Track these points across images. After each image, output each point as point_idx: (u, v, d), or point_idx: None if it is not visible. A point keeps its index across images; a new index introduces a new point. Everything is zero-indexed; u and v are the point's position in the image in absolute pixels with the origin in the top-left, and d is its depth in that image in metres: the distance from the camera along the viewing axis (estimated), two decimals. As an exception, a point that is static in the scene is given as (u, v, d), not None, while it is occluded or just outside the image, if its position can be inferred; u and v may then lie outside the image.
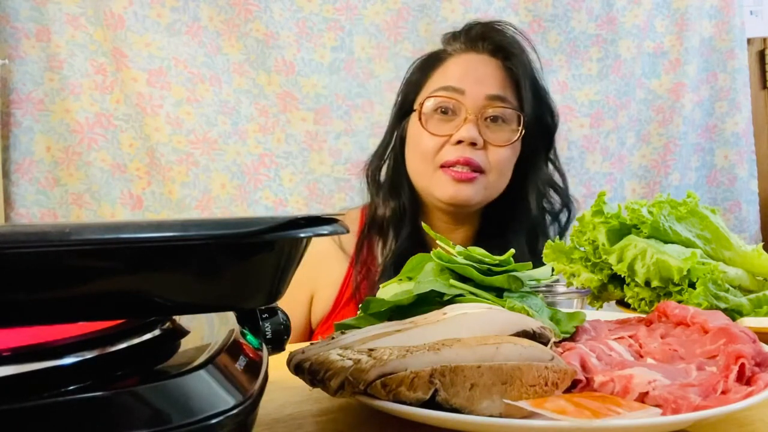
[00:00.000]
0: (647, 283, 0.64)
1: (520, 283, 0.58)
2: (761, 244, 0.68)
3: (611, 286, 0.70)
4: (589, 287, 0.70)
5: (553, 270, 0.68)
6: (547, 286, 0.69)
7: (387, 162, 1.14)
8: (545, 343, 0.45)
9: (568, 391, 0.41)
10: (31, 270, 0.26)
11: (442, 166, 1.02)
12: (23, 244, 0.25)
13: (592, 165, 1.56)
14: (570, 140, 1.55)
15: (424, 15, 1.51)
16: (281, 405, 0.46)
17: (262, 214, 1.45)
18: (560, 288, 0.72)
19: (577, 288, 0.71)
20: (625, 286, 0.68)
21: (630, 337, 0.50)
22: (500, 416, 0.37)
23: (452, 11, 1.50)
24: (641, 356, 0.47)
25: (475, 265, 0.58)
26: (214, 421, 0.28)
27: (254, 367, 0.34)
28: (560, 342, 0.50)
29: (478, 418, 0.36)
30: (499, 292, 0.57)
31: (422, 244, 1.07)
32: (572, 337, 0.52)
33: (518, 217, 1.10)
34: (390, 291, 0.61)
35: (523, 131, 1.05)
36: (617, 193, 1.57)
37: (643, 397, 0.39)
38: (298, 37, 1.47)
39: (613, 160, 1.57)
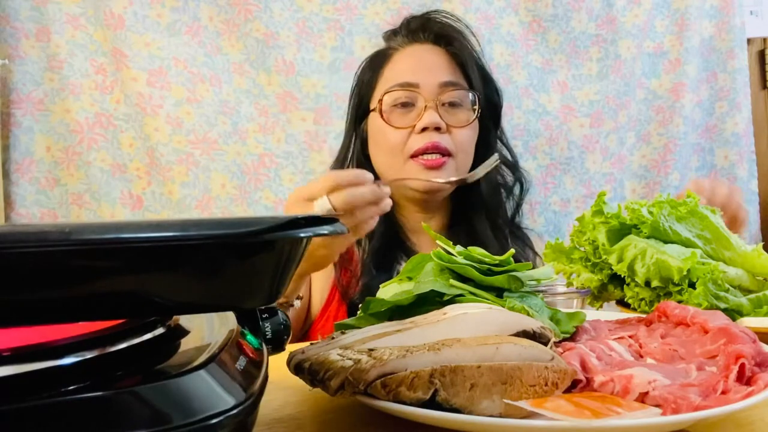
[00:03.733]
0: (647, 283, 0.64)
1: (520, 283, 0.58)
2: (761, 244, 0.68)
3: (611, 286, 0.70)
4: (589, 287, 0.70)
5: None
6: (547, 286, 0.69)
7: (350, 164, 1.18)
8: (545, 343, 0.45)
9: (568, 391, 0.41)
10: (31, 270, 0.26)
11: (412, 157, 1.06)
12: (23, 244, 0.25)
13: (592, 165, 1.56)
14: (570, 140, 1.55)
15: (424, 15, 1.51)
16: (281, 405, 0.46)
17: (262, 214, 1.45)
18: (560, 288, 0.72)
19: (577, 288, 0.71)
20: (625, 286, 0.68)
21: (630, 337, 0.50)
22: (500, 416, 0.37)
23: (452, 11, 1.50)
24: (641, 356, 0.47)
25: (475, 265, 0.58)
26: (214, 421, 0.28)
27: (254, 367, 0.34)
28: (560, 342, 0.50)
29: (478, 418, 0.36)
30: (499, 292, 0.57)
31: (396, 240, 1.12)
32: (572, 337, 0.52)
33: (479, 196, 1.15)
34: (390, 291, 0.61)
35: (480, 109, 1.11)
36: (617, 193, 1.57)
37: (643, 397, 0.39)
38: (298, 37, 1.47)
39: (613, 160, 1.57)
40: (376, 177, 1.13)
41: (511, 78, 1.53)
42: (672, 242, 0.65)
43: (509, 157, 1.23)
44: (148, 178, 1.42)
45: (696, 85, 1.58)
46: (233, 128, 1.45)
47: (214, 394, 0.29)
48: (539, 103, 1.54)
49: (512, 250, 0.61)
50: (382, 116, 1.09)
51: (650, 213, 0.66)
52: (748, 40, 1.61)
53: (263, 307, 0.45)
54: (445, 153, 1.06)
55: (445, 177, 1.06)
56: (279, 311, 0.46)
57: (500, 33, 1.52)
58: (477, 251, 0.60)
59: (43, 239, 0.25)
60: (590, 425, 0.33)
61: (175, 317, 0.37)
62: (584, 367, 0.43)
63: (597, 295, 0.71)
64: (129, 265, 0.27)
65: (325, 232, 0.31)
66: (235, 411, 0.29)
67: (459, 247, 0.61)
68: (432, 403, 0.37)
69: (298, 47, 1.47)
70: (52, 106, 1.39)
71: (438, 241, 0.63)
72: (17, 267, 0.26)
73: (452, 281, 0.57)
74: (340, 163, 1.20)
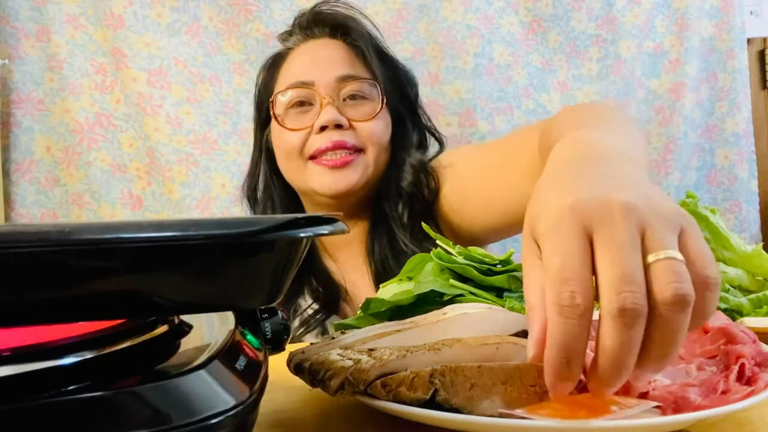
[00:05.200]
0: (647, 283, 0.64)
1: (520, 283, 0.58)
2: (761, 244, 0.68)
3: (611, 286, 0.69)
4: (589, 287, 0.70)
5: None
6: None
7: (260, 178, 1.10)
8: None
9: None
10: (31, 270, 0.26)
11: (312, 158, 0.97)
12: (23, 244, 0.25)
13: (592, 165, 1.56)
14: (570, 140, 1.55)
15: (424, 15, 1.51)
16: (281, 405, 0.46)
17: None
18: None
19: (577, 288, 0.71)
20: (625, 286, 0.67)
21: (630, 337, 0.50)
22: (500, 416, 0.37)
23: (452, 11, 1.50)
24: (641, 356, 0.47)
25: (475, 265, 0.58)
26: (214, 421, 0.28)
27: (254, 367, 0.34)
28: (560, 342, 0.50)
29: (479, 418, 0.36)
30: (499, 292, 0.57)
31: (306, 263, 1.01)
32: (572, 337, 0.52)
33: (393, 199, 1.02)
34: (390, 291, 0.61)
35: (385, 98, 1.00)
36: (617, 193, 1.57)
37: (643, 397, 0.39)
38: (298, 37, 1.47)
39: (613, 160, 1.57)
40: (284, 189, 1.06)
41: (511, 78, 1.53)
42: (672, 242, 0.65)
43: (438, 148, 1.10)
44: (148, 178, 1.42)
45: (696, 85, 1.58)
46: (233, 128, 1.45)
47: (214, 394, 0.29)
48: (539, 103, 1.54)
49: (512, 250, 0.61)
50: (276, 119, 1.00)
51: (650, 213, 0.66)
52: (748, 40, 1.61)
53: (263, 307, 0.45)
54: (353, 150, 0.96)
55: (356, 175, 0.96)
56: (279, 311, 0.46)
57: (500, 33, 1.52)
58: (477, 251, 0.60)
59: (43, 239, 0.25)
60: (590, 425, 0.33)
61: (175, 317, 0.37)
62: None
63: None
64: (129, 265, 0.27)
65: (325, 231, 0.31)
66: (235, 411, 0.29)
67: (458, 247, 0.61)
68: (432, 403, 0.37)
69: (298, 47, 1.46)
70: (52, 106, 1.39)
71: (438, 241, 0.63)
72: (17, 267, 0.26)
73: (452, 281, 0.57)
74: (250, 175, 1.11)
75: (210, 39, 1.45)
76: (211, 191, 1.43)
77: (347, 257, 1.05)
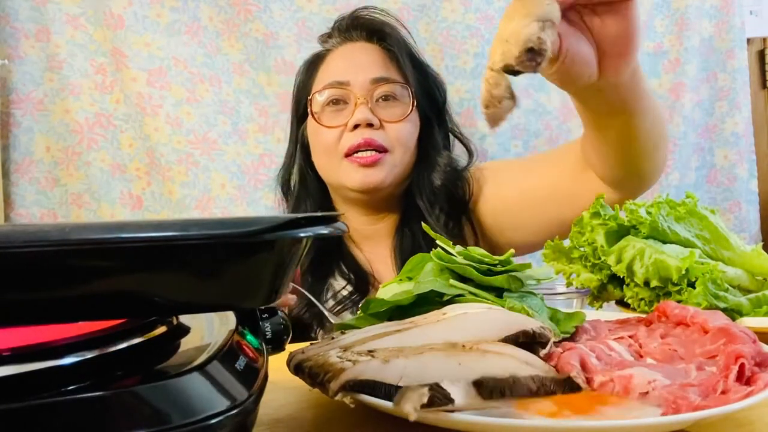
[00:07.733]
0: (646, 283, 0.64)
1: (520, 283, 0.58)
2: (761, 244, 0.68)
3: (611, 286, 0.70)
4: (588, 287, 0.70)
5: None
6: (547, 286, 0.69)
7: (294, 170, 1.17)
8: (545, 344, 0.45)
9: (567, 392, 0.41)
10: (31, 270, 0.26)
11: (346, 155, 1.03)
12: (23, 244, 0.25)
13: (592, 165, 1.56)
14: (570, 140, 1.55)
15: (424, 15, 1.51)
16: (281, 405, 0.46)
17: (262, 214, 1.45)
18: (560, 288, 0.72)
19: (576, 288, 0.71)
20: (624, 286, 0.68)
21: (630, 337, 0.50)
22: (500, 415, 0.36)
23: (452, 11, 1.50)
24: (641, 356, 0.47)
25: (475, 265, 0.58)
26: (214, 421, 0.28)
27: (254, 367, 0.34)
28: (560, 342, 0.50)
29: (478, 418, 0.36)
30: (499, 292, 0.57)
31: (336, 250, 1.09)
32: (572, 337, 0.52)
33: (428, 196, 1.09)
34: (390, 291, 0.61)
35: (415, 101, 1.07)
36: (617, 193, 1.57)
37: (643, 397, 0.39)
38: (298, 37, 1.47)
39: (612, 160, 1.57)
40: (317, 182, 1.12)
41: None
42: (671, 242, 0.65)
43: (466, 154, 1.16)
44: (147, 178, 1.42)
45: (696, 85, 1.58)
46: (233, 128, 1.45)
47: (214, 394, 0.29)
48: (539, 103, 1.54)
49: (512, 250, 0.61)
50: (313, 117, 1.07)
51: (648, 213, 0.66)
52: (748, 40, 1.61)
53: (263, 307, 0.45)
54: (380, 149, 1.03)
55: (383, 174, 1.03)
56: (279, 311, 0.46)
57: (500, 33, 1.52)
58: (477, 251, 0.60)
59: (43, 239, 0.25)
60: (590, 425, 0.33)
61: (175, 317, 0.37)
62: (584, 367, 0.43)
63: (597, 296, 0.71)
64: (129, 265, 0.27)
65: (325, 231, 0.31)
66: (235, 411, 0.29)
67: (459, 247, 0.61)
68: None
69: (298, 47, 1.46)
70: (51, 106, 1.39)
71: (438, 241, 0.63)
72: (17, 267, 0.26)
73: (452, 281, 0.57)
74: (285, 168, 1.18)
75: (210, 39, 1.45)
76: (211, 191, 1.43)
77: (372, 247, 1.12)
